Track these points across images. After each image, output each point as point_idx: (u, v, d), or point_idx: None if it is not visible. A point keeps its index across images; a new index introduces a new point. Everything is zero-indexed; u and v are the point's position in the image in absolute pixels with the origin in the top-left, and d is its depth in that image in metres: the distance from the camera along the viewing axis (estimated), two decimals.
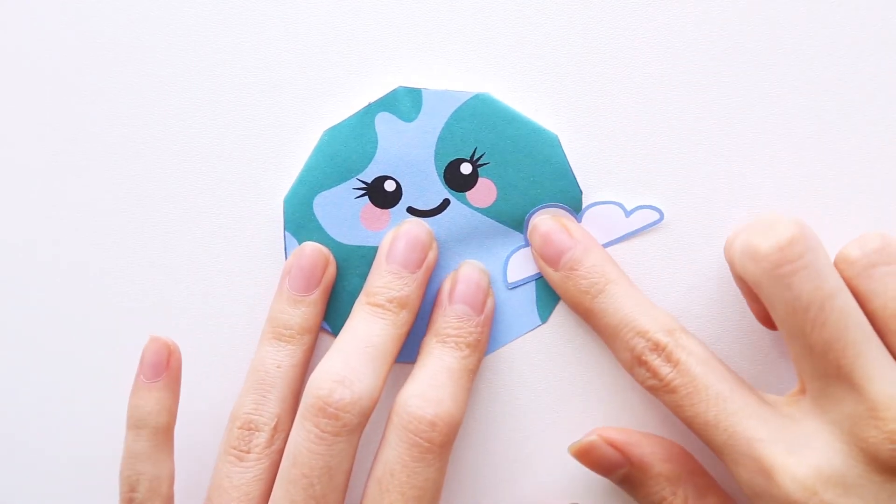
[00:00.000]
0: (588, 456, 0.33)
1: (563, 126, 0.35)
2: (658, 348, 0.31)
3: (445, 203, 0.35)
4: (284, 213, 0.35)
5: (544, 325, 0.35)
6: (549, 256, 0.34)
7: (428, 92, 0.34)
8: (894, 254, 0.29)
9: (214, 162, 0.36)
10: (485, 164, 0.34)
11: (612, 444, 0.33)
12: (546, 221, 0.34)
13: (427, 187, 0.35)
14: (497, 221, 0.35)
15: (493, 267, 0.35)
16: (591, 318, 0.33)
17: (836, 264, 0.29)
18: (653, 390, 0.31)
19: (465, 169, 0.35)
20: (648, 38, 0.34)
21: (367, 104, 0.35)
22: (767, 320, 0.31)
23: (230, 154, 0.36)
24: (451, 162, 0.35)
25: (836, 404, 0.28)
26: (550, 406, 0.35)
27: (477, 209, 0.35)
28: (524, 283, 0.35)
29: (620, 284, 0.32)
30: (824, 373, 0.28)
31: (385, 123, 0.34)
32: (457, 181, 0.35)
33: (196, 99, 0.36)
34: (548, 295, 0.35)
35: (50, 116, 0.36)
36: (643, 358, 0.31)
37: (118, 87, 0.36)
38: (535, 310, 0.35)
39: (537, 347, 0.35)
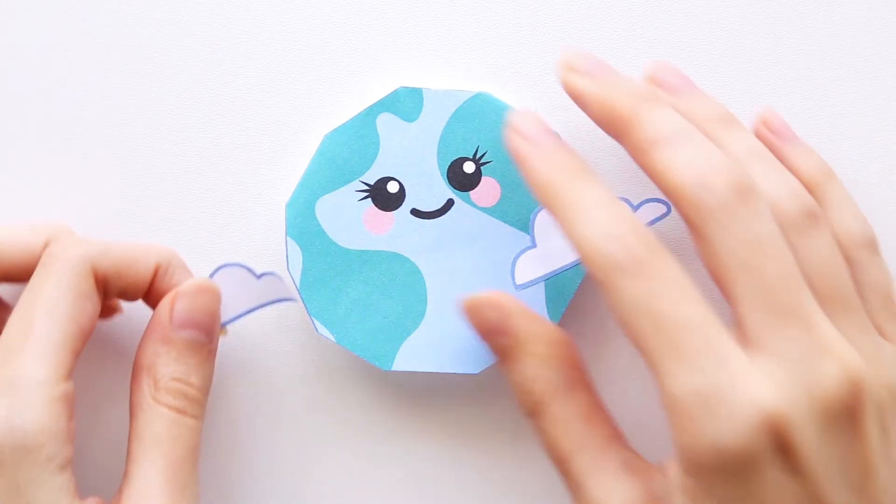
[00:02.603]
0: (474, 312, 0.32)
1: (566, 123, 0.35)
2: (639, 237, 0.27)
3: (450, 203, 0.34)
4: (287, 218, 0.34)
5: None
6: (529, 133, 0.30)
7: (429, 92, 0.34)
8: (821, 218, 0.30)
9: (216, 165, 0.35)
10: (488, 162, 0.34)
11: (499, 309, 0.31)
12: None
13: (430, 188, 0.34)
14: (503, 221, 0.34)
15: (501, 268, 0.34)
16: (558, 190, 0.29)
17: None
18: (618, 270, 0.27)
19: (469, 168, 0.34)
20: (650, 37, 0.35)
21: (368, 105, 0.34)
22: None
23: (231, 158, 0.35)
24: (454, 161, 0.34)
25: (792, 342, 0.27)
26: None
27: (482, 209, 0.34)
28: (533, 283, 0.34)
29: (603, 183, 0.29)
30: (781, 308, 0.27)
31: (387, 124, 0.34)
32: (460, 180, 0.34)
33: (197, 102, 0.35)
34: (558, 296, 0.34)
35: (46, 118, 0.36)
36: (620, 236, 0.27)
37: (116, 90, 0.35)
38: (546, 311, 0.34)
39: None
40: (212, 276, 0.33)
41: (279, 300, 0.33)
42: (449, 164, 0.34)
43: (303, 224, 0.34)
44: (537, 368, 0.31)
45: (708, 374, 0.26)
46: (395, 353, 0.34)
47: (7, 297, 0.35)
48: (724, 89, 0.35)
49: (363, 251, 0.34)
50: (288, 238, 0.34)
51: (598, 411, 0.31)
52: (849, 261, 0.31)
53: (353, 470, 0.36)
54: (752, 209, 0.27)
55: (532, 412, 0.31)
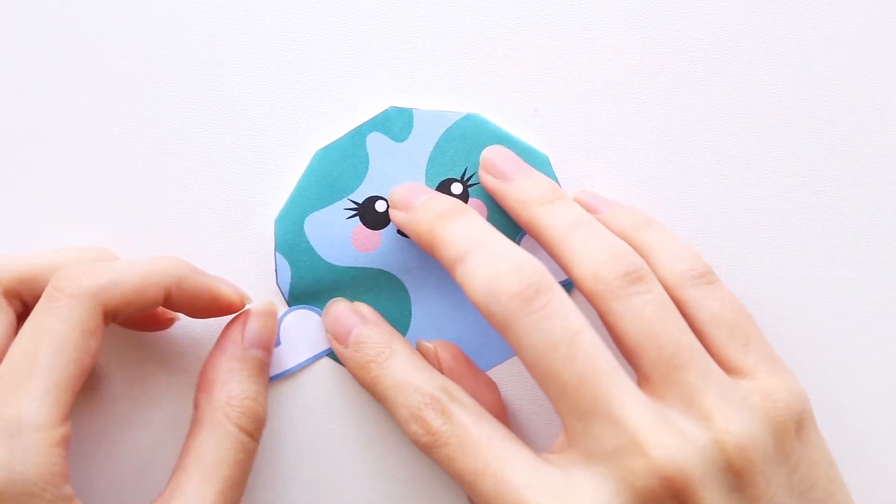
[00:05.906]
0: None
1: (554, 147, 0.35)
2: (434, 402, 0.30)
3: None
4: (276, 233, 0.34)
5: None
6: (339, 334, 0.33)
7: (419, 112, 0.34)
8: (645, 276, 0.29)
9: (206, 181, 0.35)
10: (475, 184, 0.34)
11: None
12: (337, 303, 0.34)
13: None
14: None
15: None
16: (376, 386, 0.32)
17: (587, 281, 0.29)
18: (427, 448, 0.29)
19: (456, 189, 0.34)
20: (650, 37, 0.35)
21: (358, 124, 0.34)
22: None
23: (222, 174, 0.35)
24: (442, 182, 0.34)
25: (599, 441, 0.27)
26: (539, 423, 0.36)
27: None
28: None
29: (403, 353, 0.32)
30: (583, 410, 0.27)
31: (376, 143, 0.34)
32: None
33: (188, 118, 0.35)
34: None
35: (44, 118, 0.36)
36: (419, 413, 0.30)
37: (116, 90, 0.35)
38: None
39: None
40: (282, 317, 0.34)
41: None
42: (437, 184, 0.34)
43: (292, 240, 0.34)
44: None
45: None
46: None
47: None
48: (724, 89, 0.35)
49: (350, 268, 0.35)
50: (277, 253, 0.35)
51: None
52: (681, 303, 0.30)
53: (340, 471, 0.36)
54: (543, 312, 0.27)
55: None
